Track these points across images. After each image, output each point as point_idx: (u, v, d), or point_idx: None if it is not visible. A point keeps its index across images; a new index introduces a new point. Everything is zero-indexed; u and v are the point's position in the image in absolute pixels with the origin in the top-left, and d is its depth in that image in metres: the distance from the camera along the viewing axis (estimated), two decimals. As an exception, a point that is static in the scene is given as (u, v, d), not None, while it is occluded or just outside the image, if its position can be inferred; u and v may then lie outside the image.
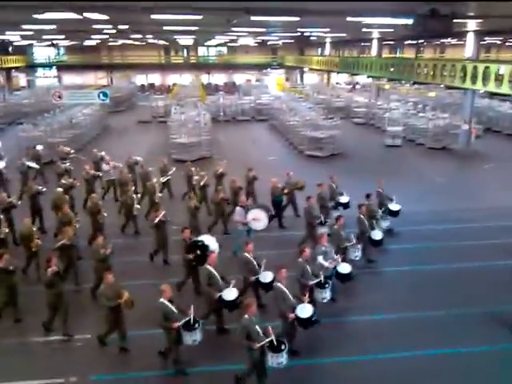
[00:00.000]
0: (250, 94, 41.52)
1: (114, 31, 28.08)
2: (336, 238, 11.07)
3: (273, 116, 34.16)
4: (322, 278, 9.14)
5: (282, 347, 7.17)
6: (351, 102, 37.32)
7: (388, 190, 14.61)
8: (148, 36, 36.58)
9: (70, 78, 58.50)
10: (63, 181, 15.45)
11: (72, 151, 20.61)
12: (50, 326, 9.44)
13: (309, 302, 8.23)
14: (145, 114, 36.79)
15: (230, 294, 8.73)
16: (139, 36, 35.20)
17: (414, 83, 31.18)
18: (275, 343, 7.09)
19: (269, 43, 50.82)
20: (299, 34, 31.57)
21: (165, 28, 25.12)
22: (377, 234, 12.19)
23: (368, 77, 34.79)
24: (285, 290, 8.18)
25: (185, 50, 58.74)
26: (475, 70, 19.73)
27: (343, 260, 10.34)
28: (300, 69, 54.20)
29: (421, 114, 28.25)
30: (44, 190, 14.91)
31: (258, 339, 7.11)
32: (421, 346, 9.13)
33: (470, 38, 23.01)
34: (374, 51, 35.35)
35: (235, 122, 36.28)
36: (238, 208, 12.65)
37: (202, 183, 15.62)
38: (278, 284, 8.23)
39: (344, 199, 14.59)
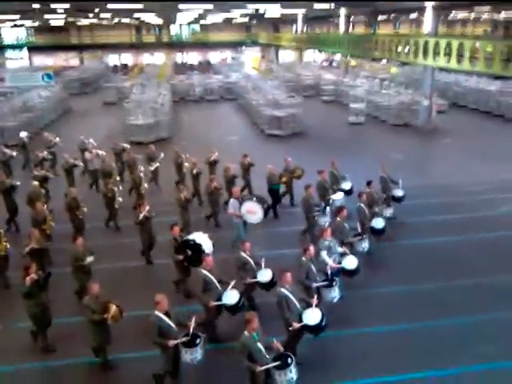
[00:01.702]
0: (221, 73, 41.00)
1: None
2: (339, 230, 10.08)
3: (240, 95, 33.72)
4: (329, 275, 8.42)
5: (289, 361, 6.33)
6: (320, 80, 36.92)
7: (342, 168, 14.21)
8: (113, 15, 35.75)
9: (40, 60, 57.38)
10: (35, 172, 14.37)
11: (57, 139, 18.87)
12: (45, 344, 8.32)
13: (317, 305, 7.37)
14: (111, 96, 36.06)
15: (231, 297, 7.79)
16: (106, 15, 34.50)
17: (373, 59, 30.65)
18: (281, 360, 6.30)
19: (237, 21, 49.95)
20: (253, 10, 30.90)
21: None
22: (378, 223, 11.18)
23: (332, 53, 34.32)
24: (289, 295, 7.29)
25: (156, 29, 57.62)
26: (427, 46, 19.50)
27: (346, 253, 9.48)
28: (275, 46, 53.56)
29: (384, 91, 28.00)
30: (18, 183, 13.50)
31: (261, 359, 6.28)
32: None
33: (429, 14, 22.66)
34: (341, 28, 34.85)
35: (203, 102, 35.75)
36: (231, 200, 11.70)
37: (194, 171, 14.56)
38: (282, 289, 7.31)
39: (346, 185, 13.47)
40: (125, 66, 58.14)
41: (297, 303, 7.32)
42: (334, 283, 8.31)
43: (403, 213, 13.14)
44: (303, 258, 8.33)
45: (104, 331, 7.55)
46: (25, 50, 58.02)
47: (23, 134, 19.44)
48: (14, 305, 9.17)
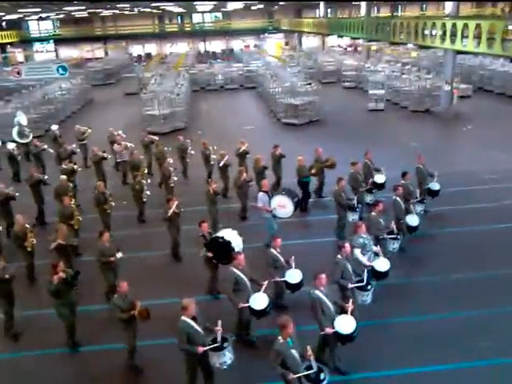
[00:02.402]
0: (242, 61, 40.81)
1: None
2: (374, 226, 9.58)
3: (260, 84, 33.49)
4: (365, 277, 7.98)
5: (322, 377, 6.04)
6: (342, 66, 36.29)
7: (359, 156, 13.57)
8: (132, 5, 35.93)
9: (66, 52, 58.27)
10: (63, 165, 14.21)
11: (89, 131, 18.54)
12: (73, 341, 8.30)
13: (352, 312, 7.00)
14: (132, 86, 36.35)
15: (259, 301, 7.49)
16: (126, 5, 34.70)
17: (393, 43, 29.87)
18: (315, 371, 6.02)
19: (259, 7, 49.43)
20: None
21: None
22: (413, 220, 10.60)
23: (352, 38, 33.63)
24: (324, 298, 6.92)
25: (179, 18, 57.64)
26: (454, 28, 18.72)
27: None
28: (298, 33, 52.85)
29: (404, 76, 27.31)
30: (46, 177, 13.68)
31: (295, 367, 5.98)
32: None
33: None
34: (362, 11, 34.08)
35: (223, 91, 35.68)
36: (260, 193, 11.17)
37: (221, 163, 14.12)
38: (316, 292, 6.94)
39: (380, 178, 12.75)
40: (148, 55, 58.52)
41: (331, 306, 6.99)
42: (370, 287, 7.92)
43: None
44: (339, 256, 7.94)
45: (134, 330, 7.48)
46: (51, 42, 58.99)
47: (54, 127, 19.35)
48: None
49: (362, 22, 29.45)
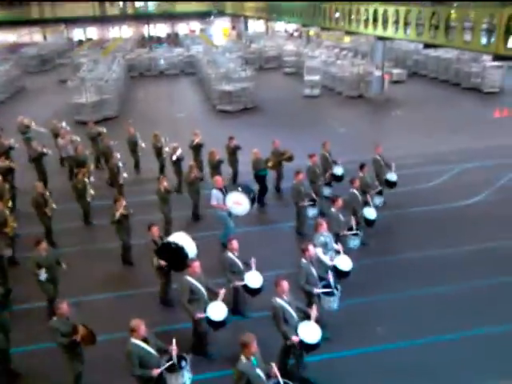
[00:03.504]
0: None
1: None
2: (334, 223, 9.23)
3: (199, 69, 32.93)
4: (331, 281, 7.49)
5: None
6: (283, 51, 36.18)
7: (288, 144, 13.54)
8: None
9: (1, 36, 55.40)
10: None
11: (32, 123, 17.02)
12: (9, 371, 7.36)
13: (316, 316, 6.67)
14: (67, 73, 34.94)
15: (217, 311, 7.01)
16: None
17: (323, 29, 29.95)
18: None
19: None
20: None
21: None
22: (370, 213, 10.34)
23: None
24: (286, 307, 6.55)
25: (120, 2, 55.77)
26: (376, 14, 18.95)
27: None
28: (243, 17, 52.26)
29: (339, 62, 27.47)
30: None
31: None
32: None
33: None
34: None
35: (162, 77, 34.90)
36: (214, 190, 10.59)
37: (174, 157, 13.32)
38: (278, 300, 6.54)
39: (338, 170, 12.45)
40: (89, 40, 56.47)
41: (294, 314, 6.63)
42: (336, 292, 7.44)
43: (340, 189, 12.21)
44: (303, 260, 7.49)
45: (79, 356, 6.72)
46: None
47: None
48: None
49: (296, 5, 29.29)
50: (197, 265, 7.31)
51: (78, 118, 21.80)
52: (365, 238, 10.00)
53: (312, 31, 36.97)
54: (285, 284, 6.58)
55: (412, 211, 12.35)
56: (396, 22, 16.92)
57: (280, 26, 57.63)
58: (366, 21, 18.62)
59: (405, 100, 24.49)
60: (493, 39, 12.58)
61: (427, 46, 17.20)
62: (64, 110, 23.34)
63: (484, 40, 13.03)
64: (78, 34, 57.65)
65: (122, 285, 9.83)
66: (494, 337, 7.76)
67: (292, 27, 57.26)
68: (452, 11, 14.14)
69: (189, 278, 7.21)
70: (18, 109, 24.44)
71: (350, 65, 26.21)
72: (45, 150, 14.04)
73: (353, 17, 19.56)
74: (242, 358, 5.56)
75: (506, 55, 12.57)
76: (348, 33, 26.12)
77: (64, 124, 16.71)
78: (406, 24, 16.24)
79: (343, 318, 8.05)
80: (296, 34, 53.14)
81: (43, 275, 8.15)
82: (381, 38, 20.46)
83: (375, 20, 17.88)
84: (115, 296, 9.45)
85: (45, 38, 54.94)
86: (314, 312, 6.59)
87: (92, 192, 12.15)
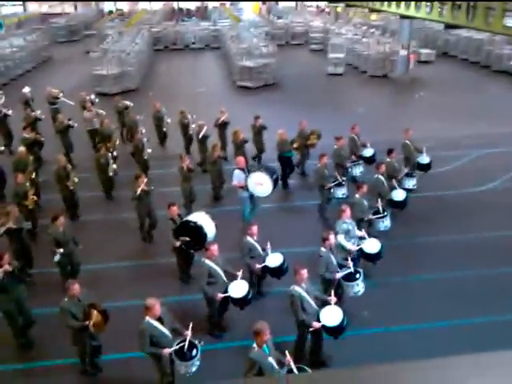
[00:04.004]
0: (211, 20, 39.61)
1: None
2: (358, 208, 9.06)
3: (223, 44, 32.62)
4: (351, 267, 7.36)
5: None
6: (310, 28, 35.42)
7: (310, 121, 13.36)
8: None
9: (36, 6, 55.90)
10: (24, 134, 12.81)
11: (61, 94, 16.85)
12: (23, 340, 7.45)
13: (336, 303, 6.64)
14: (94, 44, 35.20)
15: (239, 289, 7.06)
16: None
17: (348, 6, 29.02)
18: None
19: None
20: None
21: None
22: (398, 194, 10.08)
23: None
24: (304, 294, 6.50)
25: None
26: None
27: (368, 235, 8.48)
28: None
29: (364, 40, 26.75)
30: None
31: (274, 376, 5.40)
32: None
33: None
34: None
35: (187, 51, 34.73)
36: (235, 171, 10.44)
37: (200, 134, 13.17)
38: (296, 288, 6.49)
39: (368, 152, 12.11)
40: (120, 11, 56.43)
41: (312, 303, 6.57)
42: (358, 275, 7.33)
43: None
44: (322, 249, 7.38)
45: (88, 339, 6.60)
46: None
47: (26, 90, 17.32)
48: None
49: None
50: (215, 248, 7.23)
51: (99, 89, 21.97)
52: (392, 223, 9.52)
53: (339, 8, 36.01)
54: (304, 272, 6.48)
55: (425, 196, 12.07)
56: (419, 1, 16.28)
57: (312, 2, 56.32)
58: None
59: (430, 81, 23.76)
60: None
61: (449, 26, 16.54)
62: (86, 81, 23.56)
63: (507, 22, 12.42)
64: (108, 5, 57.66)
65: (140, 255, 10.08)
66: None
67: (324, 3, 55.91)
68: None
69: (207, 261, 7.18)
70: (43, 78, 24.82)
71: (375, 43, 25.49)
72: (71, 123, 13.98)
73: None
74: (254, 346, 5.48)
75: None
76: (372, 10, 25.31)
77: (93, 96, 16.57)
78: (429, 3, 15.59)
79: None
80: (327, 10, 51.88)
81: (57, 256, 8.15)
82: (403, 17, 19.76)
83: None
84: (133, 265, 9.71)
85: (75, 8, 55.17)
86: (333, 299, 6.56)
87: (114, 166, 12.09)
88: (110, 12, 54.37)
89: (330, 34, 31.76)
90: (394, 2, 17.43)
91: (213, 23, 37.91)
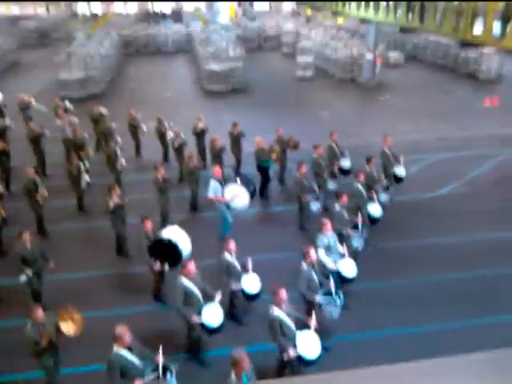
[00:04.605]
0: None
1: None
2: (338, 221, 8.62)
3: (193, 48, 32.42)
4: (331, 286, 6.98)
5: None
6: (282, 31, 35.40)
7: (269, 126, 13.23)
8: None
9: (3, 8, 54.91)
10: None
11: (32, 100, 16.47)
12: None
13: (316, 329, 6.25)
14: (63, 48, 34.67)
15: (212, 316, 6.61)
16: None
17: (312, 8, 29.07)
18: None
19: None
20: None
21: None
22: (374, 210, 9.74)
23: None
24: (284, 318, 6.17)
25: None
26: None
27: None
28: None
29: (333, 43, 26.83)
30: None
31: None
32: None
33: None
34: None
35: (159, 55, 34.41)
36: (211, 181, 10.01)
37: (176, 143, 12.86)
38: (275, 311, 6.16)
39: (345, 163, 11.83)
40: (95, 15, 55.82)
41: (292, 325, 6.23)
42: (338, 301, 6.96)
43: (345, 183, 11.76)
44: (303, 265, 7.04)
45: (53, 356, 6.41)
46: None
47: None
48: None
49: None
50: (192, 266, 6.84)
51: (62, 93, 21.56)
52: (369, 238, 9.30)
53: (309, 10, 36.10)
54: (283, 293, 6.20)
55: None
56: (377, 5, 16.36)
57: (288, 5, 56.42)
58: (350, 2, 18.01)
59: (397, 85, 23.93)
60: (461, 25, 12.10)
61: (403, 30, 16.64)
62: (52, 86, 23.17)
63: (453, 25, 12.51)
64: (82, 7, 56.99)
65: (113, 265, 9.90)
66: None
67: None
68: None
69: (183, 280, 6.77)
70: (8, 84, 24.34)
71: (343, 47, 25.57)
72: (43, 131, 13.45)
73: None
74: (232, 376, 5.22)
75: (471, 41, 12.10)
76: (334, 13, 25.42)
77: (67, 103, 16.03)
78: (386, 6, 15.68)
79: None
80: (302, 13, 52.03)
81: (23, 277, 7.84)
82: (362, 20, 19.84)
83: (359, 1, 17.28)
84: (104, 274, 9.55)
85: (48, 10, 54.41)
86: (313, 322, 6.21)
87: (87, 178, 11.64)
88: (84, 16, 53.81)
89: (301, 38, 31.88)
90: (354, 5, 17.41)
91: (185, 26, 37.72)
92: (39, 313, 6.20)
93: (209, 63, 23.66)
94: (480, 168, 13.95)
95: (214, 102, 21.77)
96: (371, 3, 16.09)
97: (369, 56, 22.80)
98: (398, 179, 11.48)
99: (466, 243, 10.25)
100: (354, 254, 8.38)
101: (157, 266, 7.95)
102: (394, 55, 27.93)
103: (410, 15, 14.63)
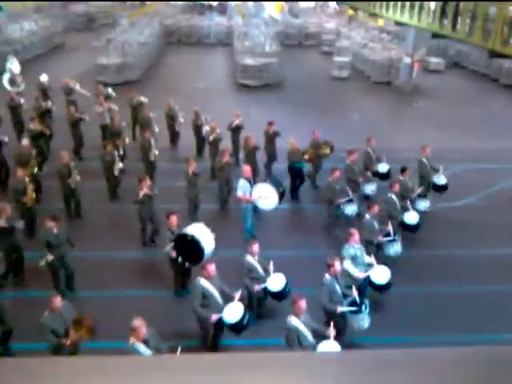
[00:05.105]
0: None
1: None
2: (367, 230, 8.52)
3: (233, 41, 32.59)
4: (356, 297, 6.80)
5: None
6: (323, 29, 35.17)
7: (297, 126, 13.24)
8: None
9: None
10: (31, 125, 12.41)
11: (77, 85, 16.44)
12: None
13: (336, 336, 6.07)
14: (108, 33, 35.48)
15: (234, 312, 6.52)
16: None
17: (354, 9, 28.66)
18: None
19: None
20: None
21: None
22: (411, 217, 9.53)
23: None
24: (301, 328, 6.06)
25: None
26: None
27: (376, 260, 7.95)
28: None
29: (371, 44, 26.43)
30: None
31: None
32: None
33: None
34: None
35: (199, 46, 34.75)
36: (240, 180, 9.94)
37: (211, 138, 12.67)
38: (293, 320, 6.04)
39: (383, 167, 11.63)
40: (143, 3, 56.79)
41: (309, 336, 6.11)
42: (364, 308, 6.76)
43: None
44: (326, 276, 6.86)
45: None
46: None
47: (44, 78, 16.62)
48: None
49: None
50: (212, 267, 6.76)
51: (99, 78, 22.15)
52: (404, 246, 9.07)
53: (351, 10, 35.68)
54: (303, 303, 6.08)
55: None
56: (412, 8, 16.01)
57: (333, 3, 55.94)
58: (387, 4, 17.70)
59: (434, 91, 23.38)
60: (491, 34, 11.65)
61: (435, 35, 16.20)
62: (91, 70, 23.82)
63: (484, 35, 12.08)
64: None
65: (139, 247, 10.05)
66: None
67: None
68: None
69: (201, 282, 6.73)
70: (49, 65, 25.14)
71: (381, 49, 25.17)
72: (82, 116, 13.65)
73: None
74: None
75: (501, 52, 11.64)
76: (371, 15, 25.00)
77: (110, 90, 15.95)
78: (421, 10, 15.32)
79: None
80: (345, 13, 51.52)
81: (43, 261, 7.92)
82: (398, 23, 19.46)
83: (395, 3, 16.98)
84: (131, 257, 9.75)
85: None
86: (331, 331, 6.05)
87: (121, 165, 11.58)
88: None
89: (341, 37, 31.59)
90: (391, 8, 17.14)
91: (228, 19, 37.94)
92: (57, 301, 6.19)
93: (244, 57, 23.76)
94: (503, 182, 13.52)
95: (245, 96, 21.87)
96: (407, 6, 15.68)
97: (406, 60, 22.35)
98: (439, 188, 11.25)
99: (476, 257, 10.00)
100: (388, 261, 8.24)
101: (172, 253, 7.85)
102: (435, 61, 27.24)
103: (445, 21, 14.22)
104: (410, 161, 14.44)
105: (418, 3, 15.26)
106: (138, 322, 5.66)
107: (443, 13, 14.09)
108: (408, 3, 15.31)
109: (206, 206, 11.27)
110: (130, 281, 8.94)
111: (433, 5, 14.47)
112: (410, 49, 22.15)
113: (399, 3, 16.19)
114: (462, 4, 13.32)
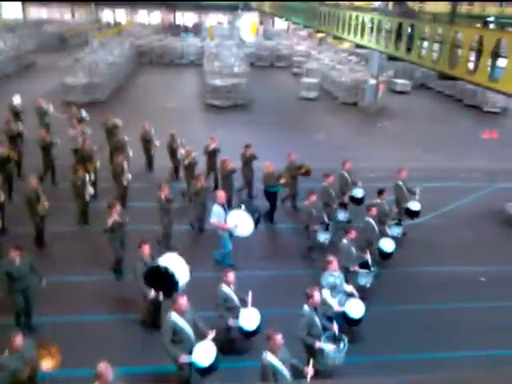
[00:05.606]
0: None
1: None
2: (345, 256, 8.28)
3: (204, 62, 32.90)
4: (335, 330, 6.55)
5: None
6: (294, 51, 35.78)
7: (261, 144, 13.07)
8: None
9: (36, 12, 56.62)
10: None
11: (51, 107, 16.07)
12: None
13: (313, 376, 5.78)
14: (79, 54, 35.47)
15: (203, 355, 6.03)
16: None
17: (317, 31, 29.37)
18: None
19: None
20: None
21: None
22: (387, 245, 9.35)
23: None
24: (278, 365, 5.72)
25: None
26: (347, 19, 18.48)
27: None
28: (264, 12, 51.97)
29: (339, 66, 26.94)
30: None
31: None
32: None
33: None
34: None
35: (172, 66, 34.96)
36: (214, 206, 9.56)
37: (186, 161, 12.32)
38: (268, 357, 5.71)
39: (358, 192, 11.28)
40: (118, 23, 57.10)
41: (286, 373, 5.75)
42: (342, 345, 6.48)
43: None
44: (305, 308, 6.57)
45: None
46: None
47: (17, 100, 16.18)
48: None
49: (303, 8, 28.87)
50: (183, 301, 6.33)
51: (67, 98, 22.05)
52: (378, 273, 8.88)
53: (320, 33, 36.45)
54: (278, 338, 5.73)
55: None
56: (371, 31, 16.43)
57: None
58: (349, 27, 18.15)
59: (399, 112, 23.88)
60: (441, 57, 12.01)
61: (391, 58, 16.63)
62: (57, 90, 23.65)
63: (435, 57, 12.43)
64: (107, 15, 58.39)
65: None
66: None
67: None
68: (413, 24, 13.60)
69: (173, 316, 6.28)
70: (20, 84, 24.88)
71: (348, 70, 25.65)
72: (53, 141, 13.18)
73: (340, 22, 19.14)
74: None
75: (450, 74, 11.99)
76: (335, 38, 25.60)
77: (84, 113, 15.64)
78: (378, 33, 15.73)
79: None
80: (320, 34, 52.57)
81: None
82: (358, 46, 19.94)
83: (355, 27, 17.43)
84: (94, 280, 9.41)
85: (73, 16, 55.82)
86: (310, 370, 5.74)
87: (91, 190, 11.26)
88: (108, 24, 54.99)
89: (311, 59, 32.15)
90: (352, 31, 17.55)
91: (201, 40, 38.33)
92: (18, 340, 5.79)
93: (213, 78, 23.92)
94: (463, 200, 13.75)
95: (212, 117, 21.97)
96: (366, 29, 16.11)
97: (371, 81, 22.79)
98: (412, 213, 10.97)
99: (427, 274, 10.09)
100: (362, 292, 8.05)
101: (151, 294, 7.42)
102: (401, 82, 27.87)
103: (399, 44, 14.61)
104: (374, 180, 14.75)
105: (375, 26, 15.64)
106: (103, 366, 5.22)
107: (398, 36, 14.43)
108: (367, 26, 15.70)
109: (182, 227, 11.12)
110: (94, 305, 8.63)
111: (388, 27, 14.87)
112: (375, 70, 22.58)
113: (359, 26, 16.54)
114: (415, 26, 13.69)
